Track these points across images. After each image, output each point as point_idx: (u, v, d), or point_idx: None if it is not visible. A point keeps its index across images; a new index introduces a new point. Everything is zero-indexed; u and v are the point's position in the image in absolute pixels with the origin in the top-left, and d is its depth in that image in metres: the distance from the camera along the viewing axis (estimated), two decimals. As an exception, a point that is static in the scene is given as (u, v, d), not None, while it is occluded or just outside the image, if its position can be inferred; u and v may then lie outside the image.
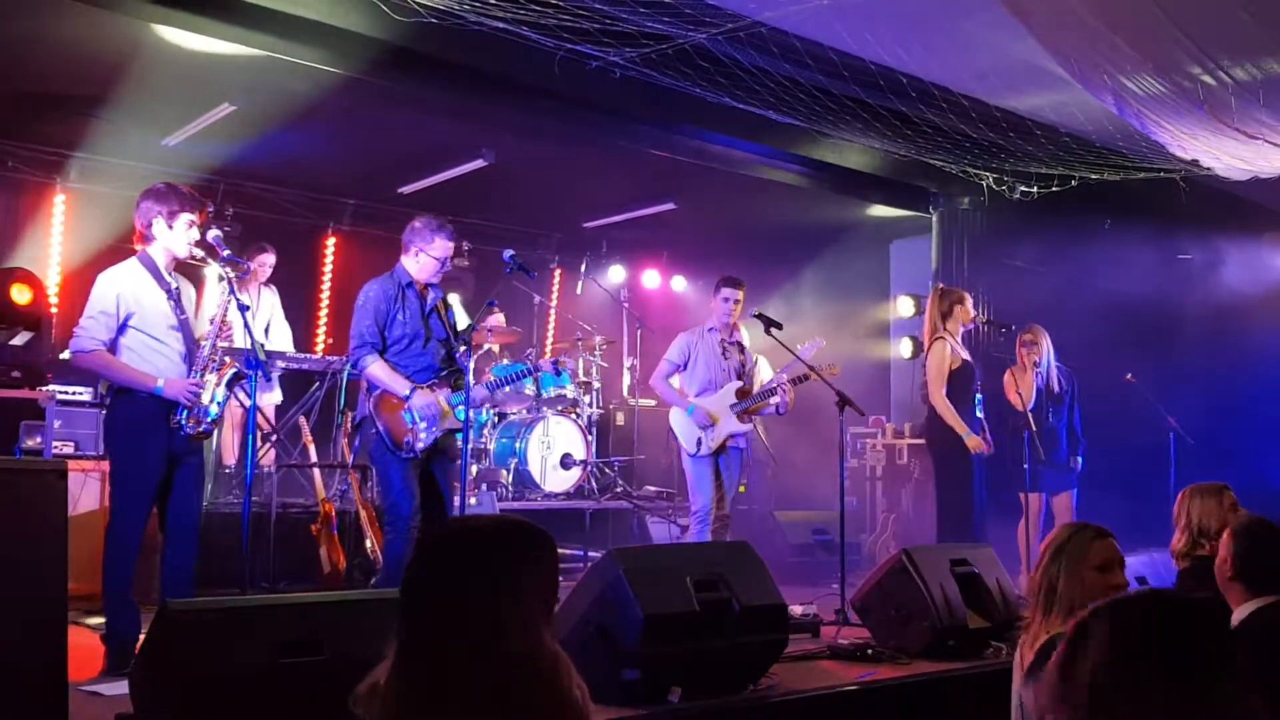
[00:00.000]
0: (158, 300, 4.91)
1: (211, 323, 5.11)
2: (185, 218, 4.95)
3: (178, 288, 5.03)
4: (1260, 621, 3.38)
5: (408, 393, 5.66)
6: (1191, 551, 4.54)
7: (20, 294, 7.21)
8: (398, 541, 5.62)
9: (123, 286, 4.84)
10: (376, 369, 5.70)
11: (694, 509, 7.15)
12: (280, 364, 8.25)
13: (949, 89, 7.57)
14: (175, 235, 4.95)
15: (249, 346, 5.18)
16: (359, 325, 5.70)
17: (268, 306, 8.84)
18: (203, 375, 4.96)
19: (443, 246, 5.76)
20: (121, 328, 4.82)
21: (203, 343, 5.04)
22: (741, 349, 7.38)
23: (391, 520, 5.73)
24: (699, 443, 7.07)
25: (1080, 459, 8.13)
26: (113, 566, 4.86)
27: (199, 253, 5.03)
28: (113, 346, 4.82)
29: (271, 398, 8.63)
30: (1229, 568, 3.53)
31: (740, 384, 7.18)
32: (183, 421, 4.86)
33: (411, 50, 6.67)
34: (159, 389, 4.81)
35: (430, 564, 2.03)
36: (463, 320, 10.45)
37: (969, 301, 7.77)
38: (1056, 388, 8.06)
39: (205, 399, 4.94)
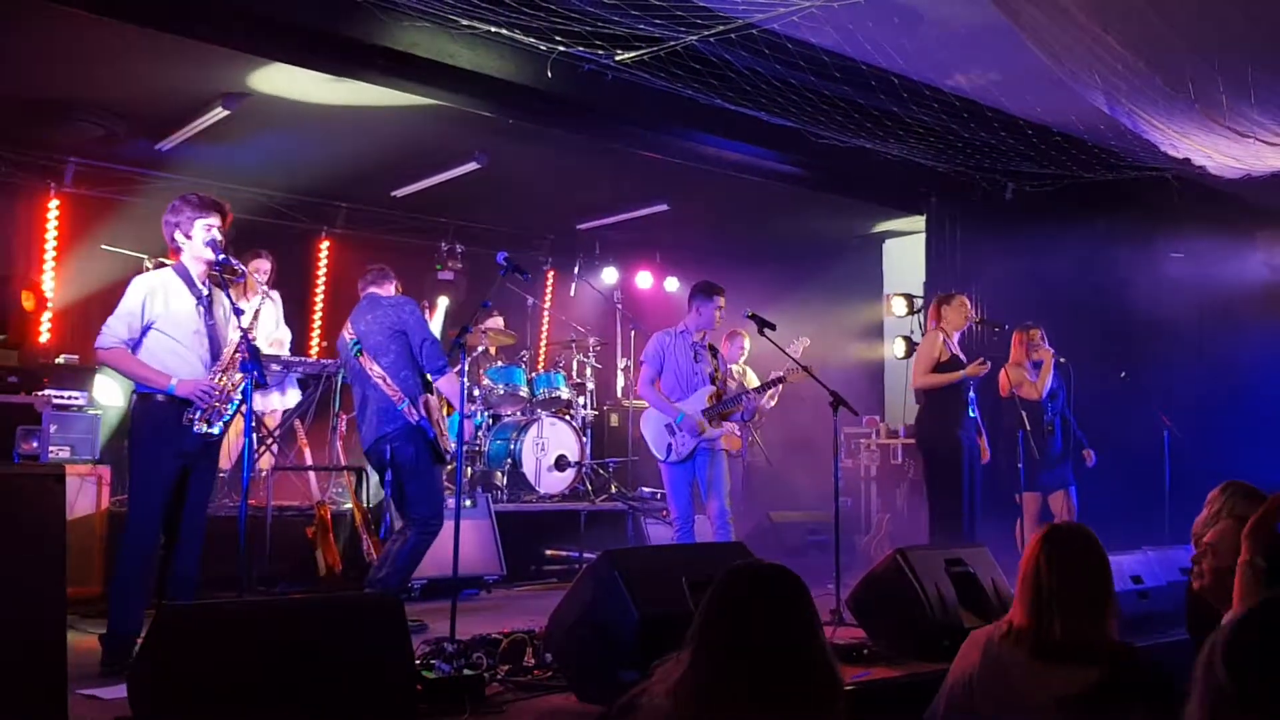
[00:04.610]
0: (187, 306, 5.05)
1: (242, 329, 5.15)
2: (201, 223, 5.06)
3: (209, 295, 5.13)
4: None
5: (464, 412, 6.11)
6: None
7: (27, 301, 7.34)
8: (422, 544, 5.99)
9: (150, 291, 5.00)
10: (457, 379, 6.03)
11: (672, 516, 7.16)
12: (276, 367, 8.24)
13: (940, 89, 7.59)
14: (197, 242, 5.06)
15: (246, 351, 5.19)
16: (435, 334, 6.35)
17: (270, 312, 8.79)
18: (220, 377, 5.01)
19: None
20: (145, 329, 4.97)
21: (224, 348, 5.10)
22: (714, 353, 7.33)
23: (430, 529, 6.04)
24: (669, 449, 7.04)
25: (1092, 451, 8.18)
26: (123, 568, 4.91)
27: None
28: (135, 346, 4.97)
29: (286, 400, 8.61)
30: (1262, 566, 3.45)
31: (712, 389, 7.10)
32: (194, 419, 4.90)
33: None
34: (171, 388, 4.91)
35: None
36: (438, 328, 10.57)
37: (967, 305, 7.78)
38: (1053, 386, 8.09)
39: (224, 401, 5.01)
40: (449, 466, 8.84)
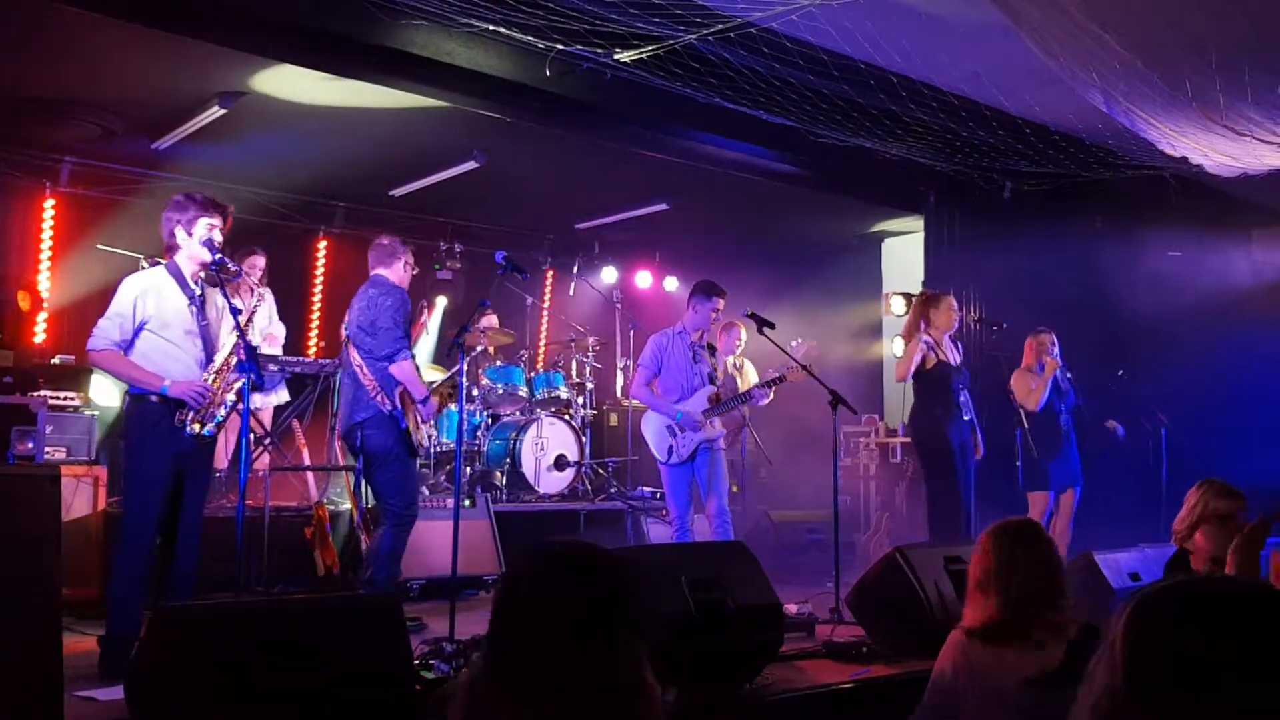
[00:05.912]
0: (179, 306, 5.02)
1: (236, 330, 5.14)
2: (204, 222, 5.05)
3: (202, 295, 5.11)
4: None
5: (426, 395, 5.99)
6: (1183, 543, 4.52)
7: (23, 301, 7.35)
8: (400, 536, 5.94)
9: (141, 292, 4.96)
10: (411, 366, 5.97)
11: (672, 517, 7.16)
12: (273, 367, 8.22)
13: (939, 88, 7.58)
14: (196, 240, 5.05)
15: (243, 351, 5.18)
16: (399, 320, 6.00)
17: (264, 310, 8.77)
18: (215, 378, 4.98)
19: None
20: (137, 331, 4.94)
21: (220, 348, 5.09)
22: (713, 351, 7.35)
23: (404, 521, 5.97)
24: (670, 450, 7.04)
25: (1118, 424, 8.18)
26: (120, 569, 4.89)
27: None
28: (128, 347, 4.94)
29: (269, 399, 8.59)
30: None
31: (713, 389, 7.10)
32: (186, 420, 4.89)
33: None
34: (165, 389, 4.89)
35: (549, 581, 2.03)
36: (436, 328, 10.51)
37: (952, 305, 7.75)
38: (1063, 386, 8.08)
39: (217, 402, 4.99)
40: (447, 466, 8.90)
